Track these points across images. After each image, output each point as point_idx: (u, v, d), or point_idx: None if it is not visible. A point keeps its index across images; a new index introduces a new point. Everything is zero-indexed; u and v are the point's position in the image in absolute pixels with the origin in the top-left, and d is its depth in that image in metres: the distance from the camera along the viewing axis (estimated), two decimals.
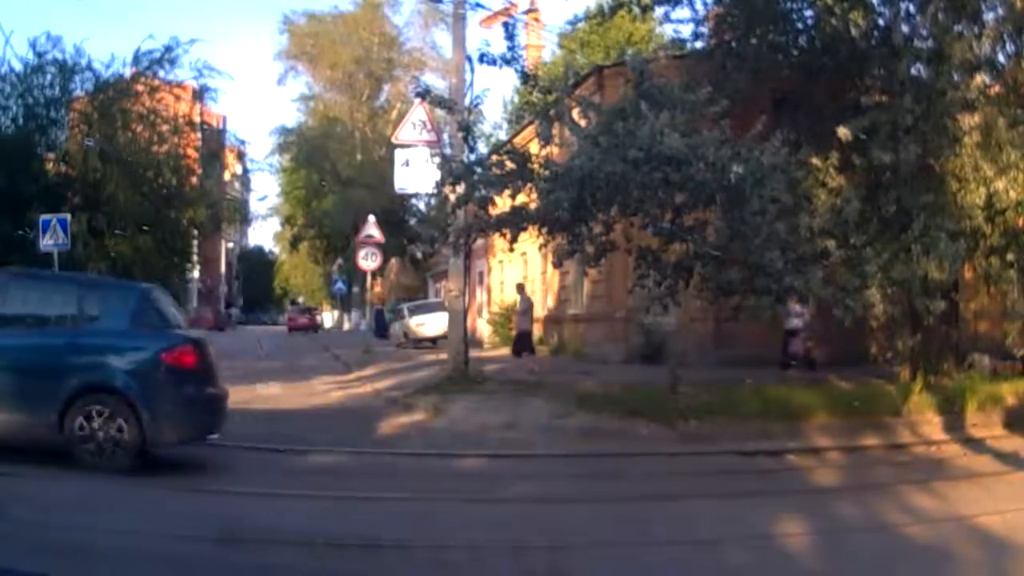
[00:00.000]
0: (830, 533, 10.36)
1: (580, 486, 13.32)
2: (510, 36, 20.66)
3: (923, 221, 20.53)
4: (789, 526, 10.57)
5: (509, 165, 19.34)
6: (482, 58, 20.78)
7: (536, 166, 19.26)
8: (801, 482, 14.34)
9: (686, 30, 32.31)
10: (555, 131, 20.05)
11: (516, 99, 62.57)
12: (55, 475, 11.85)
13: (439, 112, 25.45)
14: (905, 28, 22.53)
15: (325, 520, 10.30)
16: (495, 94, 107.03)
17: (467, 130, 20.29)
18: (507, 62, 20.35)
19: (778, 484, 14.04)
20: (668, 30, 36.37)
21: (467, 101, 22.68)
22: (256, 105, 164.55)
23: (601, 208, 19.04)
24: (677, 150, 17.40)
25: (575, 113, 20.04)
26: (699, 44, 26.58)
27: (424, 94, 22.38)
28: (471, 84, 23.08)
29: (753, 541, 9.90)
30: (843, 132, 21.17)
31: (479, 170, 19.58)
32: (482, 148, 22.86)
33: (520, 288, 30.66)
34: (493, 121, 70.40)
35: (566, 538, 9.71)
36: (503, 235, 19.97)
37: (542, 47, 52.68)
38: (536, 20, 43.86)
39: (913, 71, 22.48)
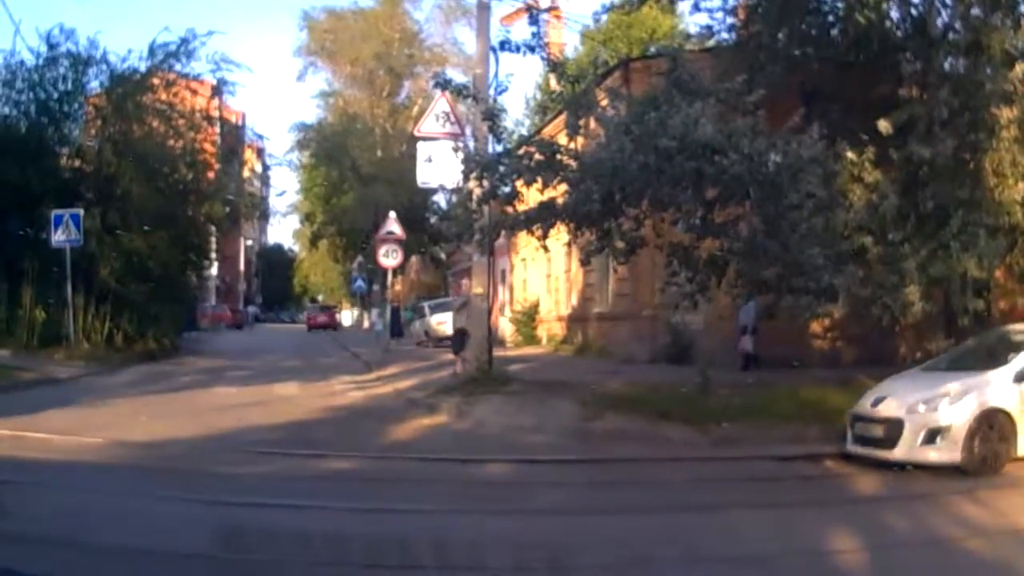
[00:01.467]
0: (885, 548, 9.62)
1: (614, 495, 12.61)
2: (534, 21, 20.18)
3: (961, 217, 19.87)
4: (841, 541, 9.81)
5: (537, 157, 18.76)
6: (504, 45, 20.26)
7: (565, 158, 18.71)
8: (843, 490, 13.67)
9: (707, 20, 31.64)
10: (584, 122, 19.36)
11: (538, 96, 62.19)
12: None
13: (460, 108, 24.90)
14: (940, 19, 21.83)
15: (342, 534, 9.57)
16: (516, 91, 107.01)
17: (493, 118, 19.62)
18: (531, 49, 19.84)
19: (820, 492, 13.44)
20: (695, 21, 35.79)
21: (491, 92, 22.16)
22: (275, 102, 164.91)
23: (631, 203, 18.47)
24: (711, 139, 16.85)
25: (603, 104, 19.48)
26: (728, 36, 25.94)
27: (444, 84, 21.67)
28: (496, 75, 22.53)
29: (806, 558, 9.21)
30: (884, 126, 20.58)
31: (506, 161, 19.01)
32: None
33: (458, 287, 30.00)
34: (515, 118, 69.97)
35: (605, 556, 9.00)
36: (531, 232, 19.41)
37: (563, 45, 52.20)
38: (557, 17, 43.39)
39: (950, 63, 21.78)
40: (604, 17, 41.85)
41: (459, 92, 21.20)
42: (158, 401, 20.88)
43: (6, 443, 14.58)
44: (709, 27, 26.15)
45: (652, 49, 39.65)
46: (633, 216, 19.01)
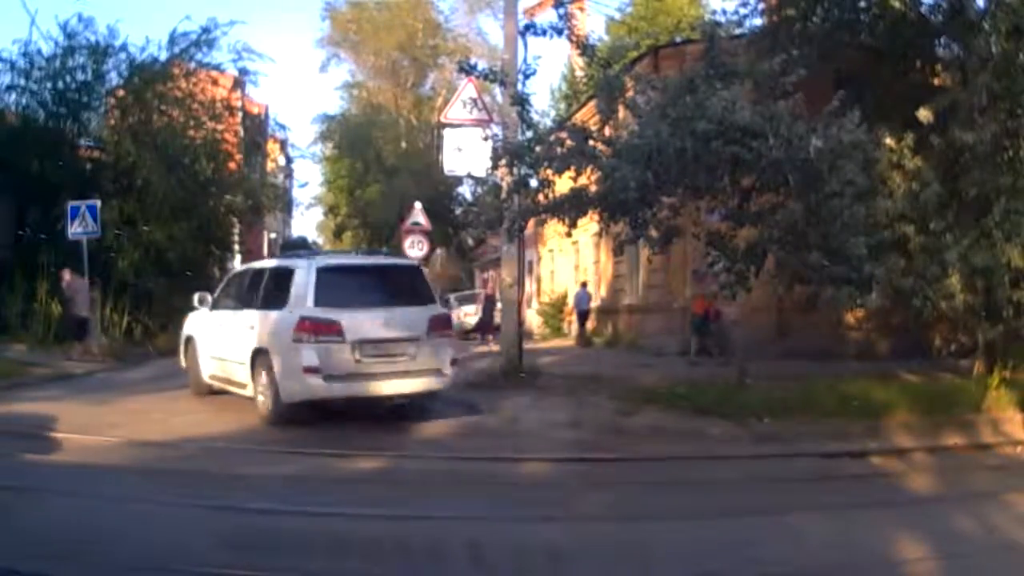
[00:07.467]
0: (961, 556, 8.85)
1: (661, 497, 11.80)
2: (560, 4, 19.55)
3: (1003, 205, 19.21)
4: (911, 548, 9.08)
5: (568, 143, 18.24)
6: (530, 28, 19.83)
7: (597, 144, 18.26)
8: (897, 490, 12.82)
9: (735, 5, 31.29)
10: (617, 106, 18.88)
11: (563, 87, 61.86)
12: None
13: (487, 97, 24.43)
14: (977, 3, 21.21)
15: (373, 543, 8.91)
16: (542, 83, 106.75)
17: (522, 103, 19.04)
18: (558, 32, 19.29)
19: (874, 493, 12.55)
20: (723, 7, 35.34)
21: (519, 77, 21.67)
22: (297, 93, 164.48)
23: (667, 190, 17.96)
24: (750, 122, 16.45)
25: (635, 90, 18.98)
26: (759, 22, 25.43)
27: (469, 69, 21.08)
28: (525, 59, 22.02)
29: (883, 569, 8.58)
30: (924, 114, 20.06)
31: (537, 148, 18.44)
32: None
33: (67, 274, 28.85)
34: (541, 109, 69.66)
35: (664, 570, 8.33)
36: (561, 220, 18.82)
37: (586, 36, 51.96)
38: (581, 9, 43.15)
39: (989, 47, 21.13)
40: (629, 8, 41.74)
41: (486, 77, 20.67)
42: (177, 397, 20.23)
43: (15, 442, 14.02)
44: (738, 13, 25.66)
45: (682, 36, 39.88)
46: (669, 204, 18.54)
